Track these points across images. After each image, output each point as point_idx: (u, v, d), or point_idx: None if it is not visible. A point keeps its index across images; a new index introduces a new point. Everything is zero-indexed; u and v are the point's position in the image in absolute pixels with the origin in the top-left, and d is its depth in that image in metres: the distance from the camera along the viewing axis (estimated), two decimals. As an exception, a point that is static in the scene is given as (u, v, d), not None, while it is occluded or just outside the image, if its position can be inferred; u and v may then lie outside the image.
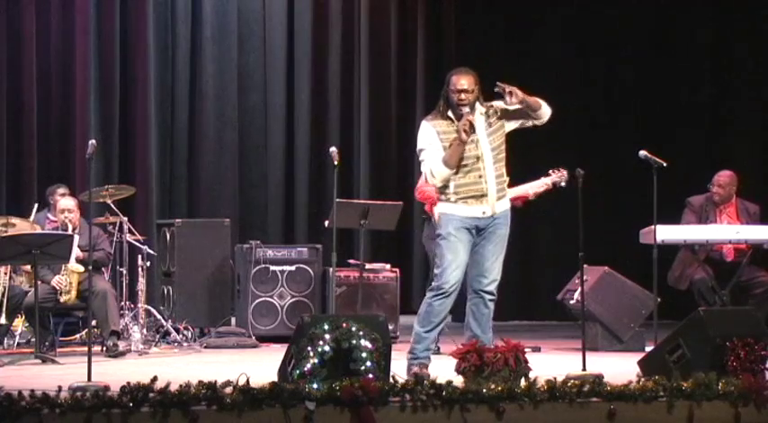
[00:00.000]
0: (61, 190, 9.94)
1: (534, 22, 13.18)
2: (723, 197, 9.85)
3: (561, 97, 12.78)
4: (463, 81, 7.18)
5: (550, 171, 9.17)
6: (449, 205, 7.20)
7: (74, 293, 9.21)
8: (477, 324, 7.25)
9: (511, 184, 9.35)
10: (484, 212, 7.18)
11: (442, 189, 7.22)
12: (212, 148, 12.22)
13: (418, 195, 8.67)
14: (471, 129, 7.10)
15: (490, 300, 7.25)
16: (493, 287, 7.24)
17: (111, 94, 11.84)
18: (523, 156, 10.97)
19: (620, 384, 6.26)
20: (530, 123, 7.38)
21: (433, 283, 7.28)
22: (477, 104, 7.20)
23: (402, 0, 12.90)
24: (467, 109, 7.12)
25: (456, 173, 7.15)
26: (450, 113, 7.21)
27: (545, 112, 7.33)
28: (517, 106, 7.20)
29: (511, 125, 7.32)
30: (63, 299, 9.19)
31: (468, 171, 7.15)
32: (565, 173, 9.03)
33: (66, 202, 9.49)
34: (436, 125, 7.22)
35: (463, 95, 7.15)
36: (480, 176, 7.16)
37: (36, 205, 10.07)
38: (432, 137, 7.20)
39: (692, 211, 9.85)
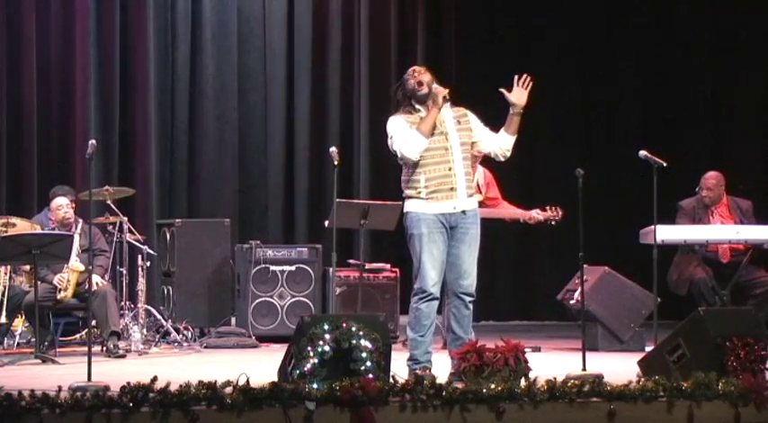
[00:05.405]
0: (70, 195, 9.88)
1: (535, 21, 13.19)
2: (713, 199, 9.88)
3: (562, 96, 12.92)
4: (416, 68, 7.31)
5: (548, 207, 9.51)
6: (420, 202, 7.17)
7: (70, 291, 9.24)
8: (458, 326, 7.24)
9: (505, 199, 9.55)
10: (455, 207, 7.16)
11: (413, 184, 7.19)
12: (212, 148, 12.21)
13: None
14: (446, 99, 7.12)
15: (470, 301, 7.25)
16: (472, 289, 7.24)
17: (111, 94, 11.83)
18: (524, 155, 11.08)
19: (620, 384, 6.26)
20: (488, 150, 7.40)
21: (414, 287, 7.26)
22: (446, 103, 7.21)
23: (402, 0, 12.90)
24: (426, 90, 7.16)
25: (426, 166, 7.14)
26: (416, 106, 7.21)
27: (509, 146, 7.35)
28: (514, 102, 7.21)
29: (476, 137, 7.33)
30: (60, 296, 9.22)
31: (438, 163, 7.14)
32: (560, 213, 9.44)
33: (60, 200, 9.55)
34: (404, 117, 7.22)
35: (418, 75, 7.21)
36: (450, 169, 7.15)
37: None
38: (402, 124, 7.19)
39: (685, 214, 9.87)
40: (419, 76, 7.26)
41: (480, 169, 9.14)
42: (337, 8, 12.62)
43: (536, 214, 9.52)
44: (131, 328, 9.65)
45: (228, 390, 5.79)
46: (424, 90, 7.20)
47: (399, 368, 6.82)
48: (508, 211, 9.54)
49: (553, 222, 9.51)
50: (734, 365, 6.66)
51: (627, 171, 11.92)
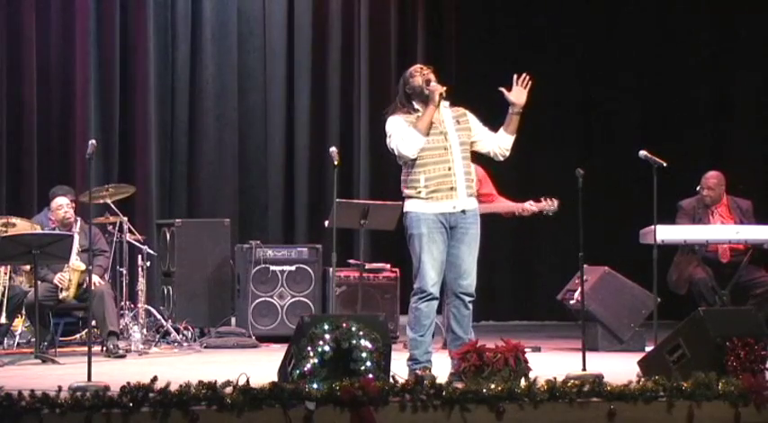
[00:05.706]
0: (70, 195, 9.89)
1: (535, 21, 13.19)
2: (714, 199, 9.88)
3: (562, 96, 12.92)
4: (422, 66, 7.28)
5: (542, 198, 9.44)
6: (419, 202, 7.16)
7: (72, 291, 9.24)
8: (458, 326, 7.22)
9: (502, 194, 9.54)
10: (454, 207, 7.16)
11: (412, 184, 7.18)
12: (212, 148, 12.21)
13: None
14: (442, 96, 7.11)
15: (470, 301, 7.23)
16: (472, 289, 7.23)
17: (111, 94, 11.83)
18: (524, 155, 11.08)
19: (620, 384, 6.26)
20: (487, 150, 7.39)
21: (414, 287, 7.25)
22: (444, 101, 7.20)
23: (402, 0, 12.91)
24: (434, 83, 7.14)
25: (426, 166, 7.13)
26: (415, 106, 7.20)
27: (508, 146, 7.35)
28: (514, 101, 7.20)
29: (475, 137, 7.31)
30: (62, 296, 9.23)
31: (438, 163, 7.13)
32: (556, 203, 9.37)
33: (60, 200, 9.57)
34: (403, 117, 7.20)
35: (427, 74, 7.19)
36: (449, 169, 7.15)
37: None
38: (401, 123, 7.17)
39: (685, 214, 9.87)
40: (427, 74, 7.24)
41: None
42: (337, 8, 12.63)
43: (530, 206, 9.45)
44: (131, 328, 9.65)
45: (228, 390, 5.79)
46: (432, 86, 7.17)
47: (399, 368, 6.82)
48: (503, 205, 9.47)
49: (550, 213, 9.43)
50: (734, 365, 6.66)
51: (627, 171, 11.92)
